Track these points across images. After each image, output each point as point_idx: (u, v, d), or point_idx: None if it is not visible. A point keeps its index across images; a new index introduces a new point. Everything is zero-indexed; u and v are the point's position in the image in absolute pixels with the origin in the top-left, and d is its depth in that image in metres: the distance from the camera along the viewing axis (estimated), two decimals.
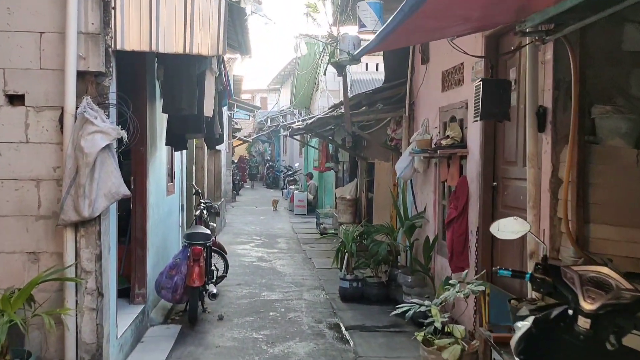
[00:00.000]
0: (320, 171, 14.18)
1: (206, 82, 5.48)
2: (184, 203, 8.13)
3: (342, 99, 8.36)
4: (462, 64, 5.39)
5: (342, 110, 7.48)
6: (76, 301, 4.01)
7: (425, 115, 6.74)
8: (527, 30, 3.29)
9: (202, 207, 7.14)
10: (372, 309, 6.71)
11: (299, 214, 17.16)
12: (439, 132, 6.10)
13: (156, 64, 5.86)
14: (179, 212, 7.92)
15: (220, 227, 13.06)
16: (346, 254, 7.31)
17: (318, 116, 7.96)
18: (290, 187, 19.19)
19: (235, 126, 27.11)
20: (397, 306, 4.74)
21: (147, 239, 5.76)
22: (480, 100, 4.00)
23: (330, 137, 11.21)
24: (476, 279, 4.22)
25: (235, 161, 28.47)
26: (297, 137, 14.98)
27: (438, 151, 5.64)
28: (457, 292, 4.16)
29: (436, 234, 6.17)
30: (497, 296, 4.09)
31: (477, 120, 4.28)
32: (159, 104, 5.88)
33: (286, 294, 7.61)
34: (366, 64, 17.88)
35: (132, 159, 5.55)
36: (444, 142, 5.53)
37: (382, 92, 7.46)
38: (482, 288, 3.97)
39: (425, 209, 6.74)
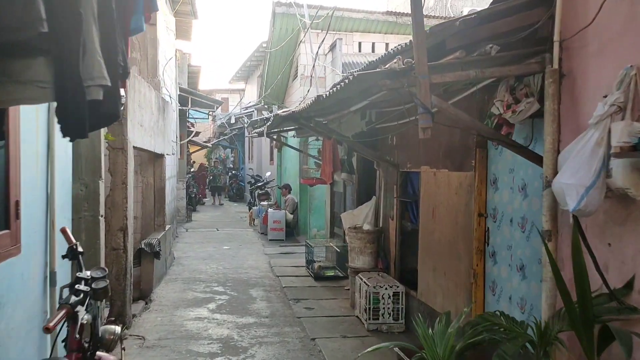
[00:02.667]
0: (311, 184, 9.99)
1: None
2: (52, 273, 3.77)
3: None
4: None
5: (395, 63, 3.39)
6: None
7: (620, 65, 2.75)
8: None
9: (74, 302, 2.74)
10: None
11: (275, 240, 12.90)
12: None
13: None
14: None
15: (163, 270, 8.66)
16: None
17: (355, 72, 3.82)
18: (262, 202, 14.88)
19: (191, 128, 22.66)
20: None
21: None
22: None
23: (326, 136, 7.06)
24: None
25: (193, 170, 23.91)
26: (275, 136, 10.77)
27: None
28: None
29: None
30: None
31: None
32: None
33: None
34: (359, 44, 13.89)
35: None
36: None
37: (488, 21, 3.42)
38: None
39: (632, 281, 2.73)
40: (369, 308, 6.05)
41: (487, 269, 4.62)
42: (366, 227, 7.00)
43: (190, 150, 26.81)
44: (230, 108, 29.18)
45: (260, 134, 10.55)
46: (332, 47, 12.37)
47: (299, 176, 13.72)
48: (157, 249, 7.59)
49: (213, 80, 64.75)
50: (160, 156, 8.80)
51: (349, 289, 7.92)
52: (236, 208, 21.35)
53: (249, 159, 25.75)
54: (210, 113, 20.69)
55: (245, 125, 18.24)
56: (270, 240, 12.98)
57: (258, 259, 10.59)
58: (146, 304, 7.16)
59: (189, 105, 15.85)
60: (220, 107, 31.40)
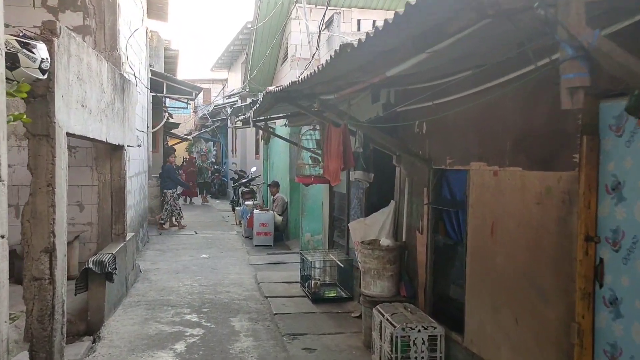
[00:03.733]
0: (306, 184, 8.26)
1: None
2: None
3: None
4: None
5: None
6: None
7: None
8: None
9: None
10: None
11: (261, 247, 11.17)
12: None
13: None
14: None
15: (122, 291, 6.91)
16: None
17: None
18: (247, 202, 13.09)
19: (171, 120, 20.70)
20: None
21: None
22: None
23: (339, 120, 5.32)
24: None
25: (177, 165, 21.69)
26: (262, 125, 9.02)
27: None
28: None
29: None
30: None
31: None
32: None
33: None
34: (358, 21, 12.17)
35: None
36: None
37: None
38: None
39: None
40: (396, 358, 4.37)
41: (600, 323, 2.97)
42: (385, 241, 5.31)
43: (169, 144, 24.88)
44: (213, 97, 27.25)
45: (246, 122, 8.82)
46: (329, 24, 10.63)
47: (289, 172, 11.98)
48: (110, 269, 5.82)
49: (193, 70, 61.72)
50: (119, 148, 7.00)
51: (357, 316, 6.26)
52: (218, 206, 19.52)
53: (232, 153, 23.92)
54: (190, 102, 18.72)
55: (228, 114, 16.39)
56: (256, 246, 11.25)
57: (242, 272, 8.85)
58: (93, 342, 5.41)
59: (164, 92, 14.01)
60: (201, 97, 29.60)
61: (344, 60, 3.15)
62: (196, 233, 12.97)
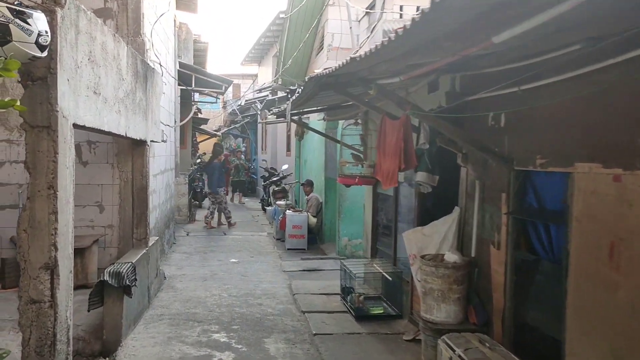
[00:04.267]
0: (347, 185, 7.36)
1: None
2: None
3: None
4: None
5: None
6: None
7: None
8: None
9: None
10: None
11: (294, 250, 10.38)
12: None
13: None
14: None
15: (143, 303, 6.20)
16: None
17: None
18: (279, 202, 12.29)
19: (200, 115, 20.07)
20: None
21: None
22: None
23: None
24: None
25: (200, 162, 20.81)
26: (296, 119, 8.20)
27: None
28: None
29: None
30: None
31: None
32: None
33: None
34: (400, 8, 11.22)
35: None
36: None
37: None
38: None
39: None
40: None
41: None
42: (451, 257, 4.42)
43: (198, 140, 24.32)
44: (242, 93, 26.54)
45: (281, 116, 8.03)
46: (371, 7, 9.73)
47: (324, 170, 11.17)
48: (128, 281, 5.08)
49: (223, 65, 60.76)
50: (141, 143, 6.28)
51: (409, 340, 5.40)
52: (247, 204, 18.83)
53: (262, 150, 23.23)
54: (219, 96, 18.02)
55: (258, 109, 15.60)
56: (288, 249, 10.46)
57: (275, 280, 8.07)
58: None
59: (193, 85, 13.30)
60: (231, 92, 29.00)
61: (430, 24, 2.27)
62: (225, 234, 12.26)
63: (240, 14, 68.89)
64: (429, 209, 5.77)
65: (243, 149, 28.05)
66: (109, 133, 4.74)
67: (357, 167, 7.29)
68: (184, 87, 12.70)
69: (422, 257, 4.55)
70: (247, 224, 13.93)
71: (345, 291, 6.78)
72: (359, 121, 7.27)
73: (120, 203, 6.86)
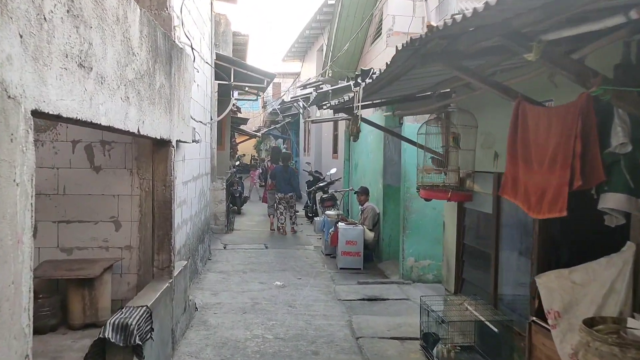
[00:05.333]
0: (430, 198, 5.67)
1: None
2: None
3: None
4: None
5: None
6: None
7: None
8: None
9: None
10: None
11: (348, 270, 8.79)
12: None
13: None
14: None
15: (166, 352, 4.73)
16: None
17: None
18: (328, 212, 10.71)
19: (239, 115, 18.70)
20: None
21: None
22: None
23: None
24: None
25: (239, 164, 19.40)
26: (359, 114, 6.61)
27: None
28: None
29: None
30: None
31: None
32: None
33: None
34: None
35: None
36: None
37: None
38: None
39: None
40: None
41: None
42: (636, 323, 2.74)
43: (237, 140, 23.10)
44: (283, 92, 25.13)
45: (339, 110, 6.49)
46: None
47: (382, 176, 9.55)
48: (139, 338, 3.60)
49: (263, 61, 58.95)
50: (163, 144, 4.81)
51: None
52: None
53: (305, 151, 21.74)
54: (260, 94, 16.59)
55: (300, 107, 14.04)
56: (341, 269, 8.89)
57: (330, 314, 6.50)
58: None
59: (232, 80, 11.88)
60: (271, 91, 27.63)
61: None
62: (266, 247, 10.78)
63: (283, 5, 67.29)
64: (555, 239, 4.09)
65: (284, 150, 26.70)
66: (108, 128, 3.25)
67: (436, 175, 5.63)
68: (222, 82, 11.31)
69: (588, 323, 2.87)
70: (291, 235, 12.41)
71: (427, 339, 5.14)
72: (442, 116, 5.62)
73: (140, 219, 5.46)
